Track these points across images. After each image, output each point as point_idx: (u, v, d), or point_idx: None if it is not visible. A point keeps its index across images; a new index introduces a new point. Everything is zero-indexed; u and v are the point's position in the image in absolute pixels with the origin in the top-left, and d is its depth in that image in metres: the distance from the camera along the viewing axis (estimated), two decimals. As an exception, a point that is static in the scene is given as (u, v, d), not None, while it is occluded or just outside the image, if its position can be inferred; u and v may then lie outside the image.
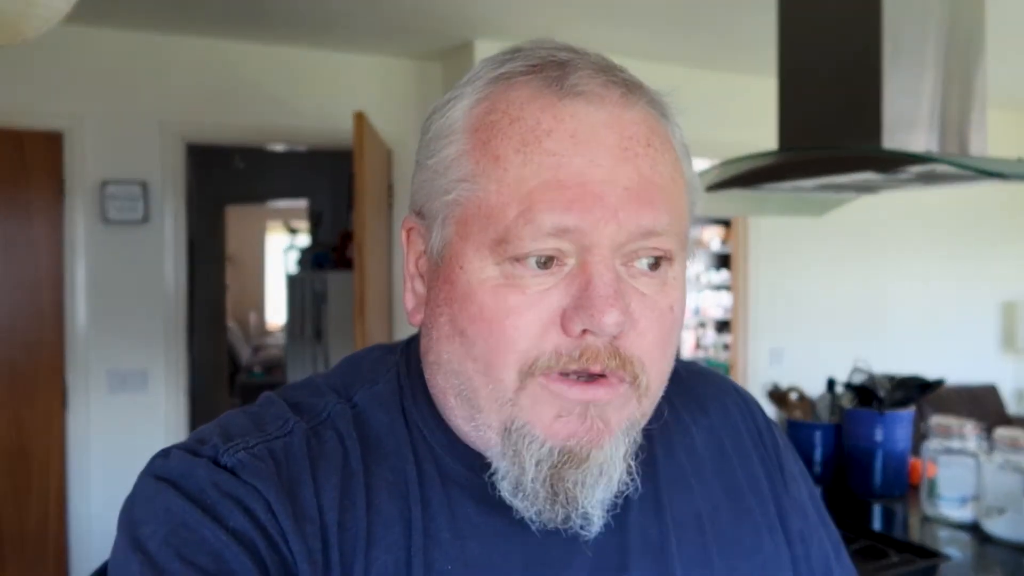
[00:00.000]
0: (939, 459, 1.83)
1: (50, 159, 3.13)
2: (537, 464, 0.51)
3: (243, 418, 0.57)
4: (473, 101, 0.54)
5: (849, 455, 2.04)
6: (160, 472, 0.52)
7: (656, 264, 0.53)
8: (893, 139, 1.56)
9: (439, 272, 0.54)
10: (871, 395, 2.02)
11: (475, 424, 0.54)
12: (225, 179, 5.88)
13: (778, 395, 2.23)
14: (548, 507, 0.52)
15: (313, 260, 5.55)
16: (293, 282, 5.60)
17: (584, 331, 0.50)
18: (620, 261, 0.51)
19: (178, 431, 3.29)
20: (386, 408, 0.58)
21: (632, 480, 0.54)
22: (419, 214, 0.57)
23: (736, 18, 3.11)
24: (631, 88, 0.53)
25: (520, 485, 0.52)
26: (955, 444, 1.81)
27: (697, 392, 0.69)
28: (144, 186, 3.22)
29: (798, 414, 2.18)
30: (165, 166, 3.27)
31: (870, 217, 4.20)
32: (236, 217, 7.41)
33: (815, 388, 2.44)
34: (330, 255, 5.51)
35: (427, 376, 0.58)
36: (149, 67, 3.25)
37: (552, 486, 0.52)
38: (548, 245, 0.50)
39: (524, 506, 0.53)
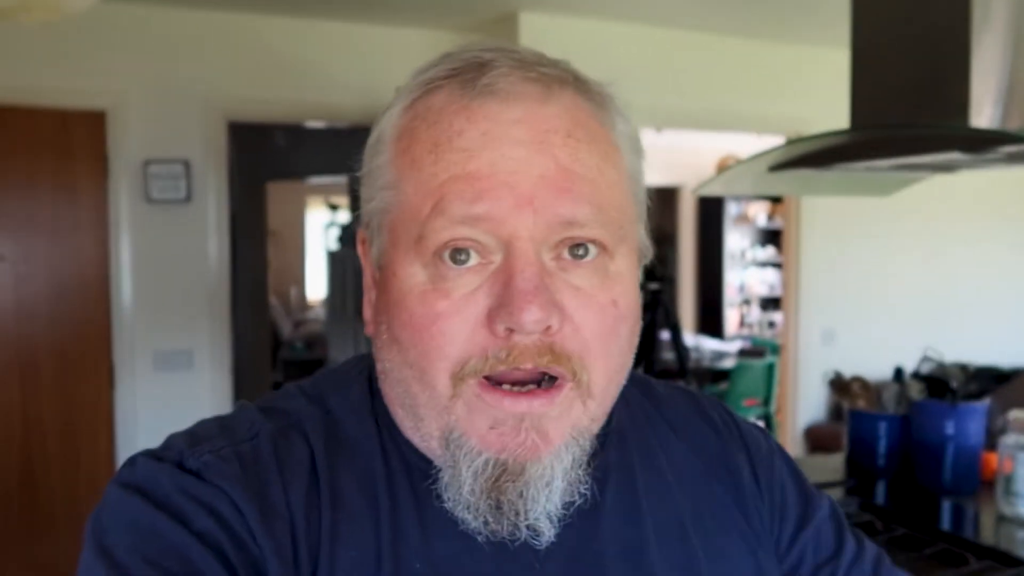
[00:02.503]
0: (1017, 455, 1.73)
1: (94, 138, 3.12)
2: (475, 475, 0.51)
3: (213, 424, 0.58)
4: (400, 110, 0.55)
5: (917, 448, 1.94)
6: (127, 480, 0.53)
7: (584, 254, 0.51)
8: (982, 115, 1.44)
9: (381, 281, 0.56)
10: (942, 386, 1.91)
11: (420, 435, 0.55)
12: (266, 156, 5.87)
13: (840, 384, 2.13)
14: (493, 519, 0.52)
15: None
16: (334, 259, 5.58)
17: (510, 330, 0.49)
18: (550, 255, 0.51)
19: (223, 408, 3.30)
20: (358, 413, 0.59)
21: (586, 488, 0.53)
22: (367, 225, 0.57)
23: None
24: (553, 83, 0.53)
25: (461, 496, 0.52)
26: (1035, 440, 1.71)
27: (674, 412, 0.68)
28: (187, 164, 3.20)
29: (861, 403, 2.08)
30: (207, 144, 3.25)
31: (932, 193, 4.01)
32: (277, 193, 7.42)
33: (870, 371, 2.34)
34: (371, 232, 5.48)
35: (379, 385, 0.59)
36: (191, 45, 3.21)
37: (494, 497, 0.51)
38: (460, 234, 0.49)
39: (468, 518, 0.52)
